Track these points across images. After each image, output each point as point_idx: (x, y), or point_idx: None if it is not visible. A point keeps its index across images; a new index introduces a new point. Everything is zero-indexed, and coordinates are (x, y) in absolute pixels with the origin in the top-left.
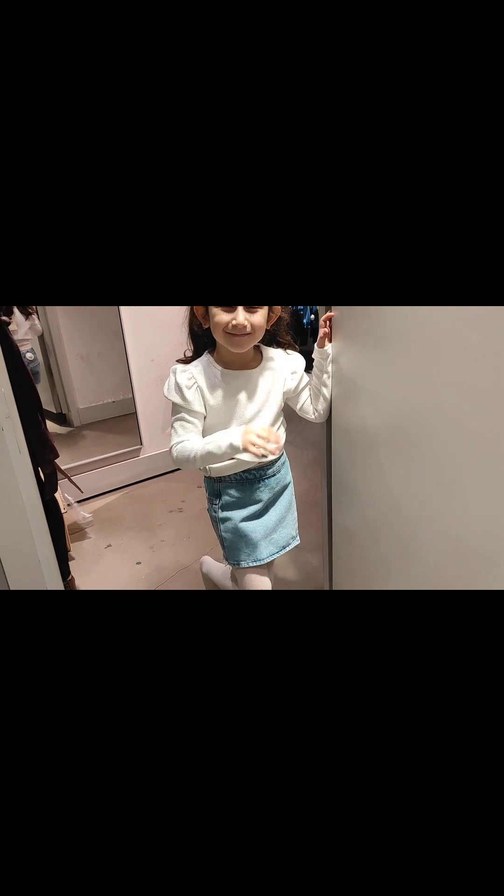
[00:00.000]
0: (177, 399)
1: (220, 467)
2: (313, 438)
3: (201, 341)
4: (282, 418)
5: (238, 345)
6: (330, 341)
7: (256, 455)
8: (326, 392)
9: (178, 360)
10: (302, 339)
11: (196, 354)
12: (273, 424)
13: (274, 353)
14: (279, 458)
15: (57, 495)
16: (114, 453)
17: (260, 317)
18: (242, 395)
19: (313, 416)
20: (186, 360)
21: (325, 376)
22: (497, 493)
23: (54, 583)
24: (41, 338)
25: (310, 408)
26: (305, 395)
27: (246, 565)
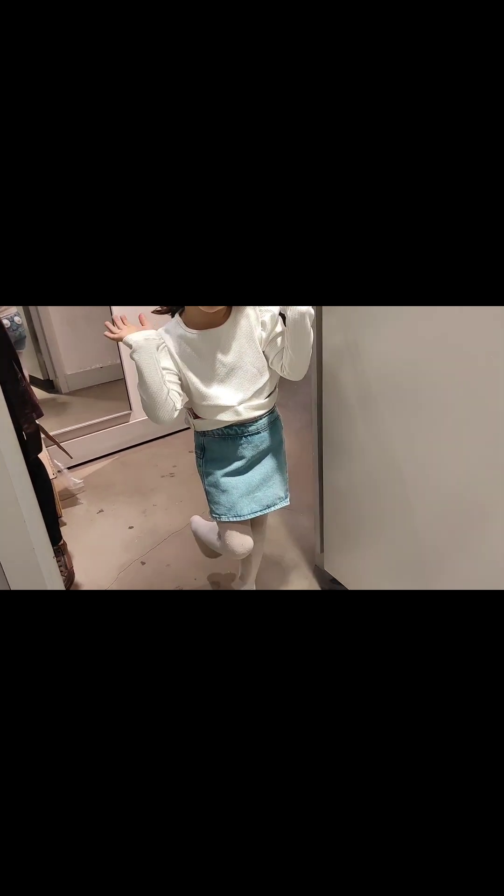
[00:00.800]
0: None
1: (200, 422)
2: (305, 401)
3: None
4: (267, 377)
5: (207, 312)
6: None
7: (110, 338)
8: (292, 352)
9: (153, 311)
10: None
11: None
12: (254, 380)
13: (245, 307)
14: (264, 417)
15: (46, 462)
16: (103, 419)
17: None
18: (213, 355)
19: (283, 373)
20: (162, 312)
21: (294, 334)
22: (487, 445)
23: (42, 547)
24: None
25: (278, 363)
26: (276, 347)
27: (226, 520)
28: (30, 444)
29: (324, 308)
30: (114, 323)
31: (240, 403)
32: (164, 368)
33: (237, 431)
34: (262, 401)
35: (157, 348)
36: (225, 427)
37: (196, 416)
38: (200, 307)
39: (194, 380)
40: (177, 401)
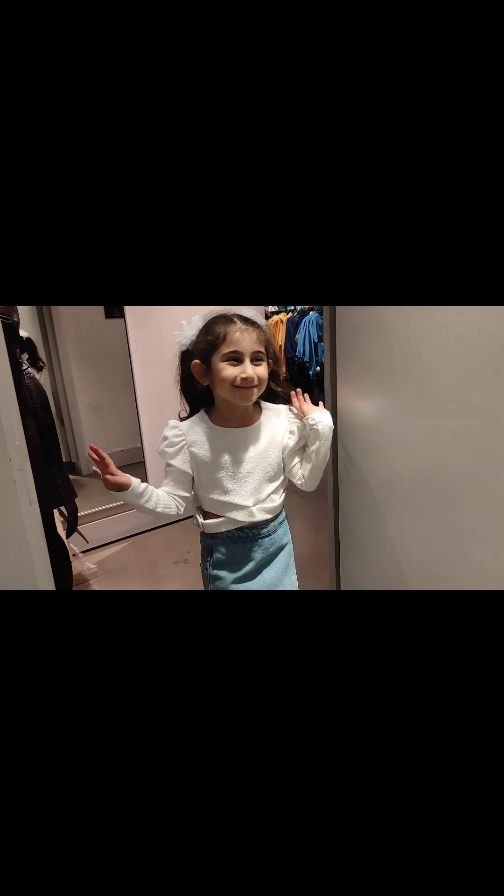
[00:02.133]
0: (168, 458)
1: (211, 524)
2: (320, 489)
3: (195, 398)
4: (281, 480)
5: (247, 398)
6: (303, 414)
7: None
8: (314, 463)
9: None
10: (308, 390)
11: (192, 413)
12: (270, 482)
13: (276, 409)
14: (275, 518)
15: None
16: (120, 502)
17: (264, 369)
18: (236, 453)
19: (299, 482)
20: (179, 417)
21: (312, 445)
22: None
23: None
24: (53, 388)
25: (298, 472)
26: (297, 458)
27: None
28: (70, 522)
29: (339, 401)
30: (101, 460)
31: (255, 504)
32: (170, 466)
33: (248, 534)
34: (275, 504)
35: (174, 445)
36: (236, 529)
37: (206, 517)
38: (238, 402)
39: (215, 474)
40: (179, 504)
